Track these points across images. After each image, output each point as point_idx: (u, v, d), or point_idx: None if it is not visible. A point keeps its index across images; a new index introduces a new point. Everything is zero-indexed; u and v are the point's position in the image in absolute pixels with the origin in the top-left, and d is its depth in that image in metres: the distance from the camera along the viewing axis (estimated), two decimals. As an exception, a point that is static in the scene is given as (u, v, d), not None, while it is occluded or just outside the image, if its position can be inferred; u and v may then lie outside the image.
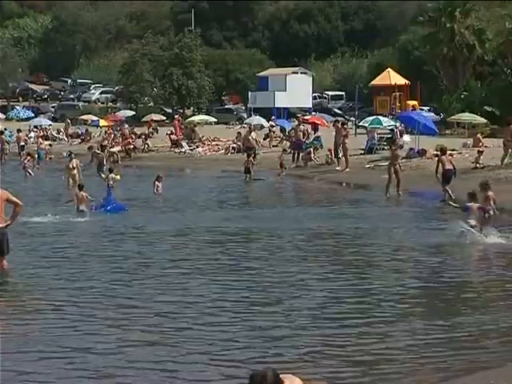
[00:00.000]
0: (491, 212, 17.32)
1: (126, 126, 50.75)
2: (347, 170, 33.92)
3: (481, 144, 35.99)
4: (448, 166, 25.31)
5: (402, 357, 9.42)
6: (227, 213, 22.64)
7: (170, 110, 66.82)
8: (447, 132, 45.24)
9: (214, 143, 47.20)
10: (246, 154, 34.98)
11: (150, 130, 52.61)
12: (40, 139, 47.32)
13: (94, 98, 77.79)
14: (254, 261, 15.23)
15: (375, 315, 11.14)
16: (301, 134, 39.48)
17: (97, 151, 36.85)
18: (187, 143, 46.77)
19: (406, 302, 12.05)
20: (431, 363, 9.28)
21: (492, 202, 17.51)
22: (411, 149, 35.47)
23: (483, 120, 44.21)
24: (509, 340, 10.13)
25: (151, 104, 69.65)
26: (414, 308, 11.96)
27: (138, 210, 22.93)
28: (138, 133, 49.07)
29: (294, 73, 66.34)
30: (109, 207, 22.32)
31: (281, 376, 5.67)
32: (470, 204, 17.23)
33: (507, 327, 10.64)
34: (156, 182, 27.19)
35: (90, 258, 15.52)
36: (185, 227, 19.63)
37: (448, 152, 31.68)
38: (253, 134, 38.94)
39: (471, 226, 16.84)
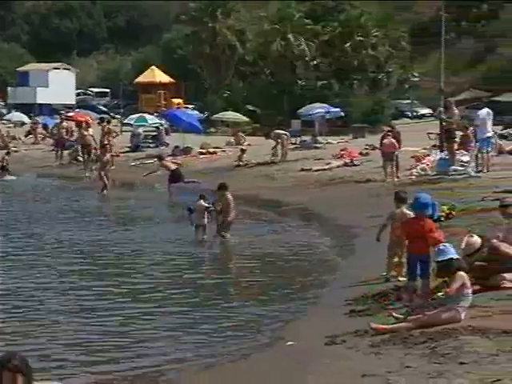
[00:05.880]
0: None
1: None
2: (113, 167, 33.51)
3: (243, 142, 37.01)
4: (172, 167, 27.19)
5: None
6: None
7: None
8: (212, 130, 46.09)
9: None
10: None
11: None
12: None
13: None
14: None
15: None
16: (64, 131, 38.53)
17: None
18: None
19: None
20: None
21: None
22: (176, 147, 35.79)
23: (245, 118, 45.46)
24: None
25: None
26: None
27: None
28: None
29: (56, 68, 64.71)
30: None
31: None
32: (198, 203, 17.27)
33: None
34: None
35: None
36: None
37: (212, 150, 32.47)
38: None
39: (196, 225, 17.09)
